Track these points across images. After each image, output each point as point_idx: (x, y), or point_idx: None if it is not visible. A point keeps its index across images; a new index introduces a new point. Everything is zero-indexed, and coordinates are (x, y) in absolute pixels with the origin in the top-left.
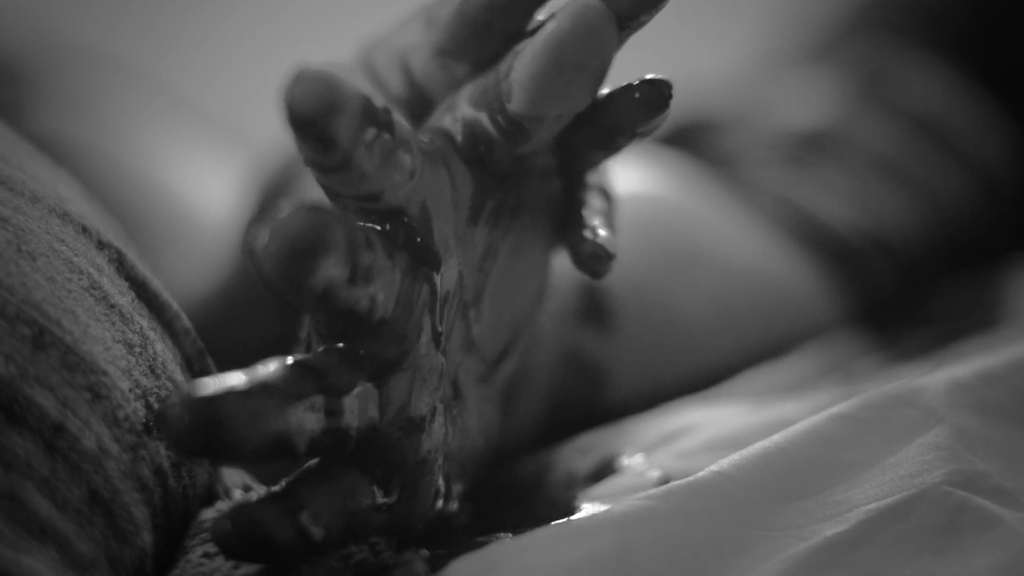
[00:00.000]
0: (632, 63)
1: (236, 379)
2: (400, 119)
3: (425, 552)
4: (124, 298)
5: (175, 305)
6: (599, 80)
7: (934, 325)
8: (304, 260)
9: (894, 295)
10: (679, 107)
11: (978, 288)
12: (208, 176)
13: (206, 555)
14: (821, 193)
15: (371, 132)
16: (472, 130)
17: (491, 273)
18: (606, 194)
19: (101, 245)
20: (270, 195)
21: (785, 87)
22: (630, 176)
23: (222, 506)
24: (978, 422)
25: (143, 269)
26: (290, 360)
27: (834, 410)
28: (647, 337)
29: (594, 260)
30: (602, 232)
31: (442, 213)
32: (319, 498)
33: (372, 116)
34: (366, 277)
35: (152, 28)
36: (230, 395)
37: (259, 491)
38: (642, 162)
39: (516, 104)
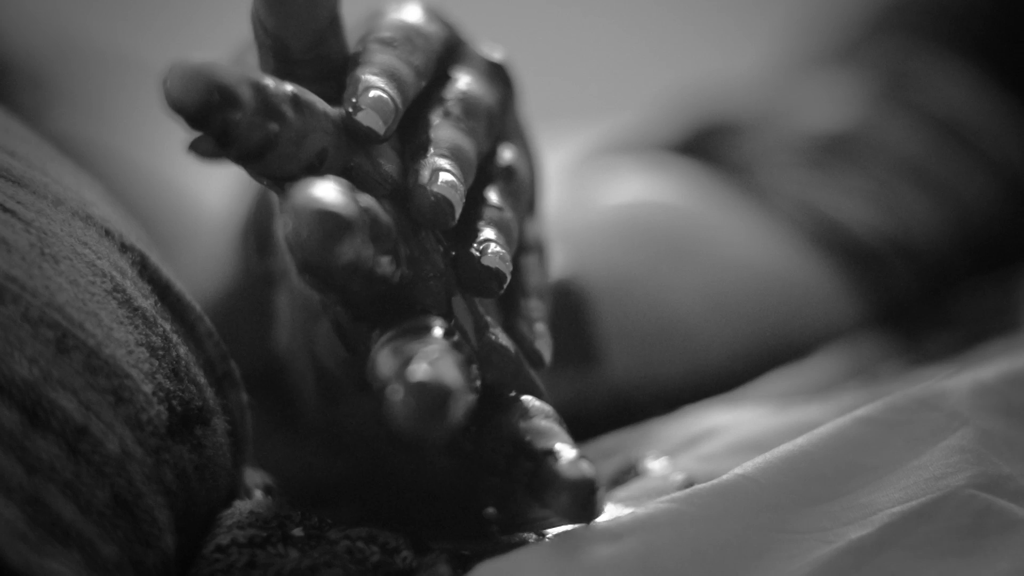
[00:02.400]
0: (654, 65)
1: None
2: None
3: (447, 555)
4: (147, 301)
5: (198, 308)
6: None
7: (958, 328)
8: (336, 242)
9: (917, 298)
10: (700, 110)
11: (1002, 290)
12: (223, 176)
13: (219, 549)
14: (843, 196)
15: (279, 103)
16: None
17: None
18: (540, 247)
19: (124, 248)
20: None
21: (807, 90)
22: (633, 184)
23: (240, 506)
24: (1003, 425)
25: (166, 272)
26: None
27: (858, 413)
28: (637, 334)
29: (530, 358)
30: (539, 327)
31: (381, 151)
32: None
33: (270, 91)
34: (380, 241)
35: (165, 28)
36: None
37: (269, 487)
38: (648, 171)
39: (289, 41)
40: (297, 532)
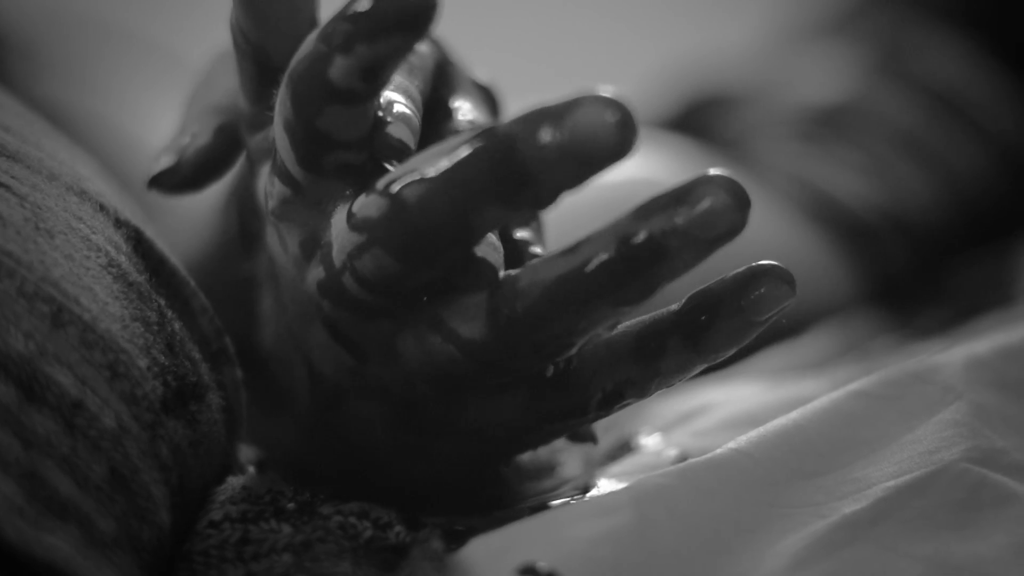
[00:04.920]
0: (647, 37)
1: None
2: None
3: (440, 530)
4: (142, 276)
5: (192, 283)
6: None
7: (952, 302)
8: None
9: (911, 272)
10: (693, 85)
11: (996, 264)
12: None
13: (212, 524)
14: (837, 170)
15: None
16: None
17: None
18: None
19: (119, 223)
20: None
21: (801, 62)
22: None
23: (233, 481)
24: (997, 398)
25: (161, 247)
26: None
27: (852, 387)
28: None
29: None
30: None
31: None
32: None
33: None
34: None
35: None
36: None
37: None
38: (640, 148)
39: (269, 48)
40: (290, 507)
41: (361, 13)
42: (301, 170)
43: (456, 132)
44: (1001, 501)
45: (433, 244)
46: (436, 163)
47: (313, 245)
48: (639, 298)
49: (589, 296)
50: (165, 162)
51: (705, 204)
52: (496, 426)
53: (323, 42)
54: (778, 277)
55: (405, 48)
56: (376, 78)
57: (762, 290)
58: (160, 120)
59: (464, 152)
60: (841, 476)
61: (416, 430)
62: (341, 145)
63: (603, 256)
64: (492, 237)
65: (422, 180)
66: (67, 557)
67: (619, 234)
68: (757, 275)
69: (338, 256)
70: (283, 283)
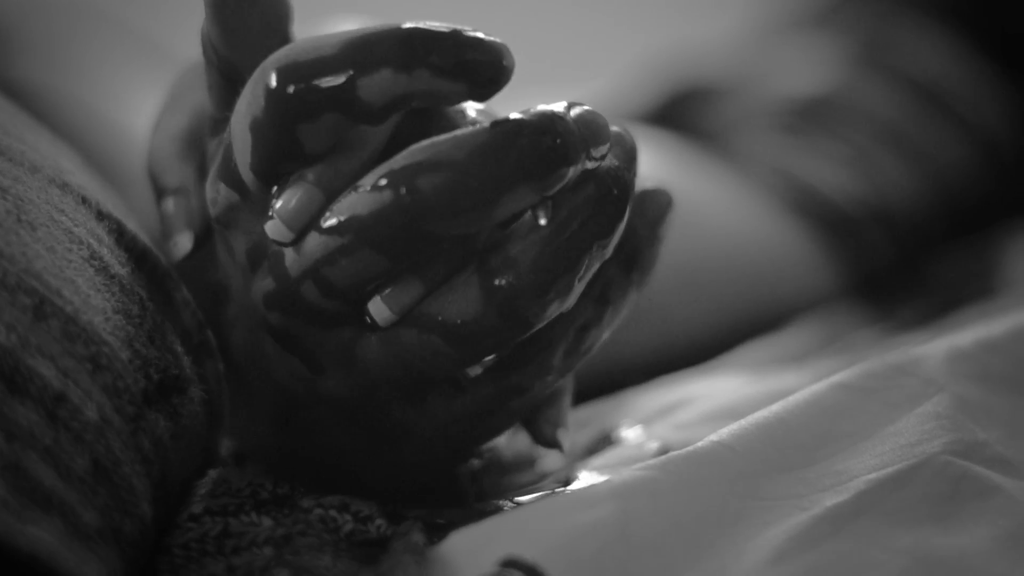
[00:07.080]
0: (627, 31)
1: None
2: None
3: (421, 523)
4: (124, 269)
5: (175, 276)
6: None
7: (934, 294)
8: None
9: (893, 265)
10: (674, 77)
11: (978, 256)
12: None
13: (192, 518)
14: (819, 162)
15: None
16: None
17: None
18: None
19: (101, 216)
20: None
21: (784, 54)
22: None
23: (213, 474)
24: (978, 391)
25: (143, 240)
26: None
27: (834, 380)
28: None
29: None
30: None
31: None
32: None
33: None
34: None
35: None
36: None
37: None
38: None
39: (239, 63)
40: (269, 500)
41: (451, 44)
42: (252, 175)
43: (460, 112)
44: (983, 493)
45: (442, 235)
46: (452, 153)
47: (260, 255)
48: (616, 228)
49: (586, 242)
50: (186, 243)
51: (629, 141)
52: (458, 421)
53: (385, 51)
54: (662, 192)
55: (456, 99)
56: (399, 108)
57: (663, 204)
58: (135, 101)
59: (496, 136)
60: (823, 469)
61: (378, 437)
62: (303, 158)
63: (593, 196)
64: None
65: (438, 170)
66: (51, 549)
67: (600, 176)
68: (653, 194)
69: (297, 265)
70: (233, 292)
